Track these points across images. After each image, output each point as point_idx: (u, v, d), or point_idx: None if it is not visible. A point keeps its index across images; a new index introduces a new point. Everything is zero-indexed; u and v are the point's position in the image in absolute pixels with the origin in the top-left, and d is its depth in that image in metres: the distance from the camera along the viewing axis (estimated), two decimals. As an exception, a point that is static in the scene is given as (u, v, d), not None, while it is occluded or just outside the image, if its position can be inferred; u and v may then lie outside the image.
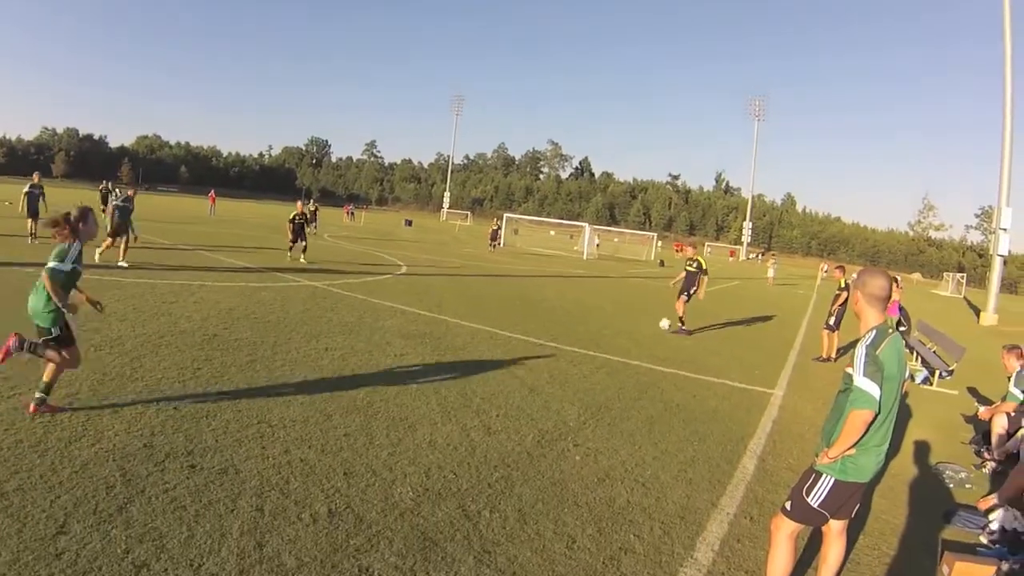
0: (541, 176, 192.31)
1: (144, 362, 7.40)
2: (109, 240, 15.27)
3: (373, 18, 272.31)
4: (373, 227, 55.42)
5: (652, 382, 9.69)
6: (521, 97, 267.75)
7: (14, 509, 3.97)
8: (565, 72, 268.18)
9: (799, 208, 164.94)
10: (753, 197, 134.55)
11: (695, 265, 15.16)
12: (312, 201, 31.03)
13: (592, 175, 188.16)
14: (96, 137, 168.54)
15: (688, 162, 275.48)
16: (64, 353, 5.60)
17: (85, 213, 5.78)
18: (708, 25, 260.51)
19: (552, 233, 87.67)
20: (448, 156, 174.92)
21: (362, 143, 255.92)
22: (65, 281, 5.53)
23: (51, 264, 5.44)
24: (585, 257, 44.56)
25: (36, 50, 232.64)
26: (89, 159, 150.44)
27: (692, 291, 14.97)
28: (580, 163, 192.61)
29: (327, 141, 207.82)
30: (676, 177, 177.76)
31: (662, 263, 50.50)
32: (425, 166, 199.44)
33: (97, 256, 14.71)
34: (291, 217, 20.49)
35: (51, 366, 5.57)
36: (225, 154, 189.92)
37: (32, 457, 4.70)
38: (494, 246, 39.82)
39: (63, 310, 5.49)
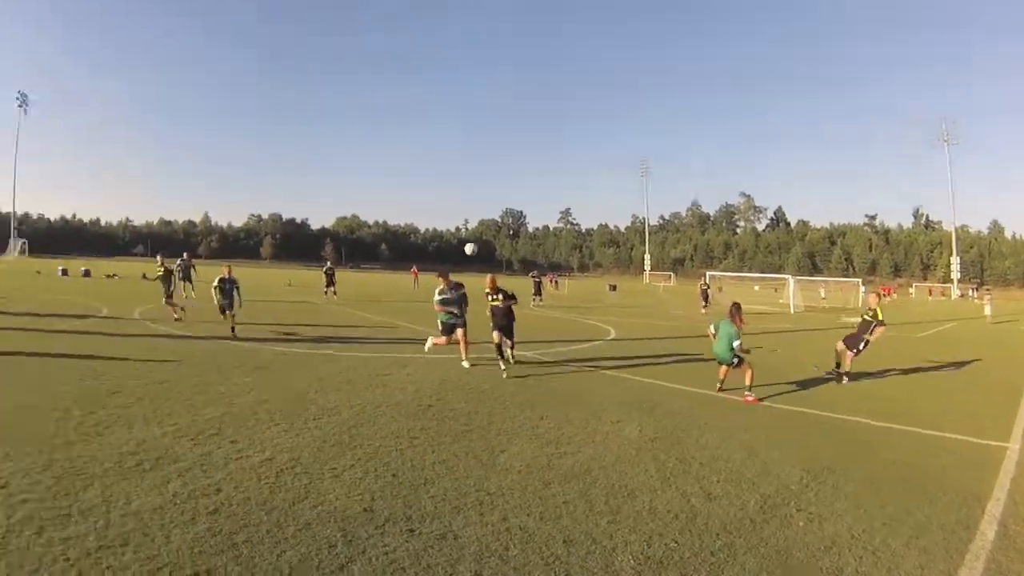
0: (738, 230, 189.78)
1: (362, 430, 7.87)
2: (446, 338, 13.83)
3: (557, 88, 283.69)
4: (578, 294, 56.02)
5: (874, 439, 8.80)
6: (709, 152, 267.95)
7: (244, 559, 4.36)
8: (749, 122, 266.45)
9: (1008, 235, 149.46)
10: (956, 229, 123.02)
11: (871, 315, 13.86)
12: (535, 271, 31.91)
13: (788, 224, 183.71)
14: (299, 221, 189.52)
15: (883, 200, 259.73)
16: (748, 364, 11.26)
17: (739, 306, 11.58)
18: (883, 56, 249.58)
19: (756, 288, 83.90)
20: (643, 218, 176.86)
21: (556, 211, 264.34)
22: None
23: (740, 340, 11.21)
24: (792, 311, 42.06)
25: (242, 144, 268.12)
26: (293, 242, 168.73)
27: (862, 345, 13.68)
28: (775, 213, 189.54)
29: (522, 212, 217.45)
30: (873, 217, 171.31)
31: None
32: (622, 229, 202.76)
33: (428, 346, 14.50)
34: (486, 292, 14.31)
35: (749, 372, 11.10)
36: (423, 230, 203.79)
37: (260, 514, 5.13)
38: (707, 308, 38.03)
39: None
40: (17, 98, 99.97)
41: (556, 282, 71.89)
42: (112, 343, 14.31)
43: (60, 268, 50.60)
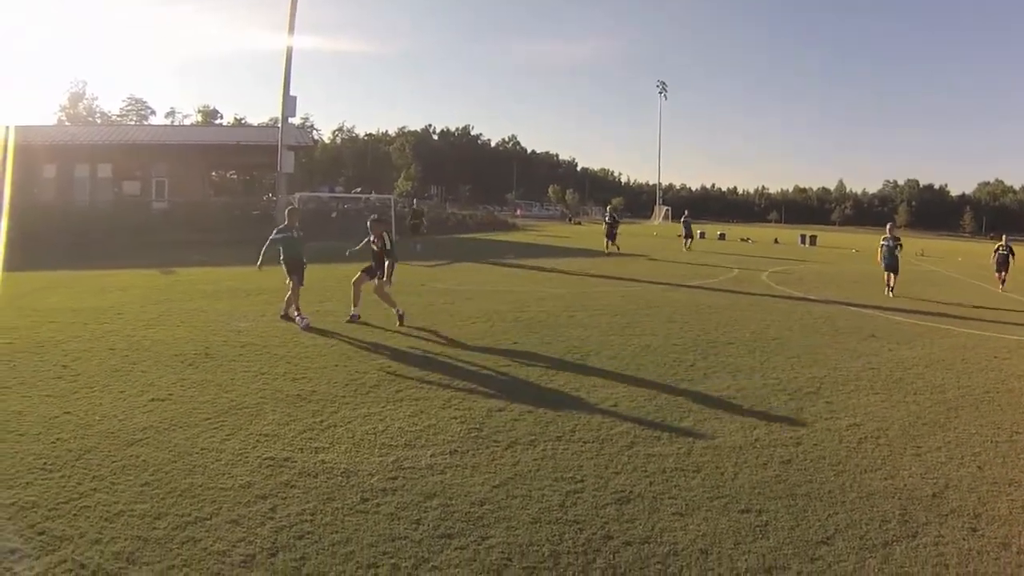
0: None
1: (961, 414, 7.51)
2: None
3: None
4: None
5: None
6: None
7: (797, 509, 4.89)
8: None
9: None
10: None
11: None
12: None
13: None
14: (936, 187, 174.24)
15: None
16: None
17: None
18: None
19: None
20: None
21: None
22: None
23: None
24: None
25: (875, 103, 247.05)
26: (930, 209, 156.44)
27: None
28: None
29: None
30: None
31: None
32: None
33: None
34: None
35: None
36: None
37: (828, 473, 5.60)
38: None
39: None
40: (657, 86, 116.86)
41: None
42: (733, 298, 16.28)
43: (699, 232, 56.37)
